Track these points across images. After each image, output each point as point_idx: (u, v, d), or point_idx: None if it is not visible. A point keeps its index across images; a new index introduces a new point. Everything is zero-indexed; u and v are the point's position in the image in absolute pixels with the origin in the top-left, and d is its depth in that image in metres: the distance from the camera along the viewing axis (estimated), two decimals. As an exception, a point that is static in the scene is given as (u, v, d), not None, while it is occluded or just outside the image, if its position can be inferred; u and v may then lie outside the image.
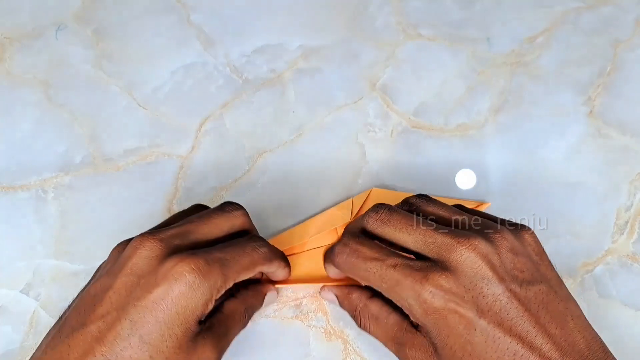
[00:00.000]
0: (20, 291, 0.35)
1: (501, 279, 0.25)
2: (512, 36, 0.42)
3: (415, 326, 0.27)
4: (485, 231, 0.26)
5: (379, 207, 0.28)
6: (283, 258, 0.30)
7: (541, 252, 0.27)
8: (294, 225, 0.36)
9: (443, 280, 0.25)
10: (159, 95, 0.40)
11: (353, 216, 0.35)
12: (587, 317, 0.26)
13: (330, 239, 0.35)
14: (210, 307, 0.25)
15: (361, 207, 0.35)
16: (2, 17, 0.42)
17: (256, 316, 0.33)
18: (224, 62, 0.41)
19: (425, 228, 0.26)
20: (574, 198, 0.37)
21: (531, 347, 0.24)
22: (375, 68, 0.41)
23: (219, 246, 0.26)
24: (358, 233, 0.29)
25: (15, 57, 0.41)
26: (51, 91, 0.40)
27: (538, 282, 0.25)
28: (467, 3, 0.43)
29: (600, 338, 0.25)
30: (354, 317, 0.31)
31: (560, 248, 0.35)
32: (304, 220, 0.36)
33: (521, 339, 0.24)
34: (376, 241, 0.28)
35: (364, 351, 0.33)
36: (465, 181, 0.37)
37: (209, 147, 0.38)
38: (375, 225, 0.28)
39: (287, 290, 0.34)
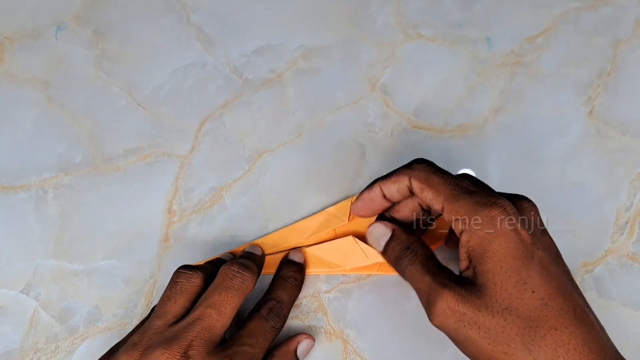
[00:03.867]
0: (20, 291, 0.35)
1: (550, 237, 0.28)
2: (512, 36, 0.42)
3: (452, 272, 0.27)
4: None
5: (422, 160, 0.30)
6: (254, 263, 0.31)
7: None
8: (291, 224, 0.36)
9: (510, 207, 0.26)
10: (159, 95, 0.40)
11: (350, 218, 0.35)
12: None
13: (327, 238, 0.35)
14: None
15: None
16: (2, 17, 0.42)
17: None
18: (223, 62, 0.41)
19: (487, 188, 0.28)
20: (574, 198, 0.37)
21: (580, 295, 0.25)
22: (375, 68, 0.41)
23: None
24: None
25: (15, 57, 0.41)
26: (51, 91, 0.40)
27: (545, 232, 0.28)
28: (467, 3, 0.43)
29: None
30: (400, 256, 0.29)
31: (560, 248, 0.35)
32: (301, 219, 0.36)
33: (574, 285, 0.25)
34: None
35: (364, 351, 0.33)
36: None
37: (209, 147, 0.38)
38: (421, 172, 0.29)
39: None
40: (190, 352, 0.27)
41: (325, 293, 0.35)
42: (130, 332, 0.31)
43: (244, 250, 0.34)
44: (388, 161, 0.38)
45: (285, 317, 0.31)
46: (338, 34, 0.42)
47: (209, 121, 0.39)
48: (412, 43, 0.42)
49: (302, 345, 0.32)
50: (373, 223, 0.31)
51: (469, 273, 0.26)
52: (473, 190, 0.27)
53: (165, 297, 0.29)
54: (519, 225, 0.25)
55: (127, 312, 0.34)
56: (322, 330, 0.34)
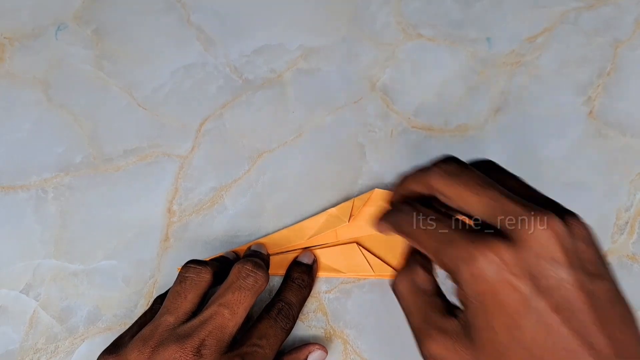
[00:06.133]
0: (20, 291, 0.35)
1: (571, 265, 0.22)
2: (512, 36, 0.42)
3: (450, 311, 0.24)
4: (561, 212, 0.23)
5: (449, 158, 0.25)
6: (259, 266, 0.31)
7: (602, 250, 0.24)
8: (292, 225, 0.36)
9: (503, 249, 0.21)
10: (159, 95, 0.40)
11: (351, 219, 0.35)
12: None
13: (328, 239, 0.35)
14: None
15: (361, 209, 0.35)
16: (2, 17, 0.42)
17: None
18: (224, 62, 0.41)
19: (497, 192, 0.23)
20: (574, 198, 0.37)
21: (589, 346, 0.21)
22: (375, 68, 0.41)
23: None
24: (417, 195, 0.26)
25: (15, 57, 0.41)
26: (51, 91, 0.40)
27: (606, 278, 0.22)
28: (467, 3, 0.43)
29: None
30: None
31: (560, 248, 0.35)
32: (302, 220, 0.36)
33: (579, 335, 0.21)
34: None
35: (364, 351, 0.33)
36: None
37: (209, 147, 0.38)
38: (442, 179, 0.24)
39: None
40: (202, 351, 0.27)
41: (325, 293, 0.35)
42: (134, 324, 0.31)
43: (249, 248, 0.34)
44: (388, 161, 0.38)
45: (294, 318, 0.31)
46: (338, 34, 0.42)
47: (209, 121, 0.39)
48: (412, 43, 0.42)
49: (314, 355, 0.32)
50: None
51: (461, 319, 0.23)
52: (464, 232, 0.23)
53: (175, 292, 0.29)
54: (513, 273, 0.21)
55: (127, 312, 0.34)
56: (322, 330, 0.34)
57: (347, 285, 0.35)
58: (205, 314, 0.28)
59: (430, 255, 0.24)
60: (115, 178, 0.37)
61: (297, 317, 0.32)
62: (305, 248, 0.35)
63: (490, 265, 0.21)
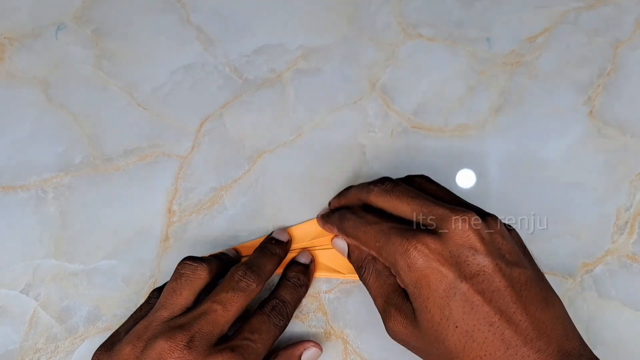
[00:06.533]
0: (20, 291, 0.35)
1: (488, 252, 0.25)
2: (512, 36, 0.42)
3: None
4: (483, 214, 0.28)
5: (384, 179, 0.31)
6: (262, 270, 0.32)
7: (525, 248, 0.28)
8: (291, 226, 0.36)
9: (430, 241, 0.26)
10: (159, 95, 0.40)
11: None
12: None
13: (328, 242, 0.35)
14: None
15: None
16: (2, 17, 0.42)
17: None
18: (224, 62, 0.41)
19: (423, 200, 0.28)
20: (574, 198, 0.37)
21: (508, 321, 0.24)
22: (375, 68, 0.41)
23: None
24: (360, 204, 0.32)
25: (15, 57, 0.41)
26: (51, 91, 0.40)
27: (524, 266, 0.26)
28: (467, 3, 0.43)
29: (579, 334, 0.26)
30: (359, 267, 0.31)
31: (560, 248, 0.35)
32: (303, 222, 0.36)
33: (500, 311, 0.24)
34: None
35: (364, 351, 0.33)
36: (465, 181, 0.37)
37: (209, 147, 0.38)
38: (379, 195, 0.30)
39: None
40: (192, 343, 0.27)
41: (325, 293, 0.35)
42: (130, 319, 0.31)
43: (270, 235, 0.35)
44: (388, 161, 0.38)
45: (288, 316, 0.31)
46: (338, 34, 0.42)
47: (209, 121, 0.39)
48: (412, 43, 0.42)
49: (308, 352, 0.32)
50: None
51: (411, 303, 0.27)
52: (394, 227, 0.28)
53: (171, 289, 0.30)
54: (439, 261, 0.25)
55: (127, 312, 0.34)
56: (322, 330, 0.34)
57: (347, 285, 0.35)
58: (199, 309, 0.28)
59: (373, 252, 0.29)
60: (115, 178, 0.37)
61: (292, 315, 0.32)
62: (304, 248, 0.35)
63: (420, 255, 0.26)
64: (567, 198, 0.37)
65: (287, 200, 0.37)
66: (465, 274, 0.25)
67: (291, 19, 0.42)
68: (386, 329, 0.28)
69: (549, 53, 0.41)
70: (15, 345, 0.33)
